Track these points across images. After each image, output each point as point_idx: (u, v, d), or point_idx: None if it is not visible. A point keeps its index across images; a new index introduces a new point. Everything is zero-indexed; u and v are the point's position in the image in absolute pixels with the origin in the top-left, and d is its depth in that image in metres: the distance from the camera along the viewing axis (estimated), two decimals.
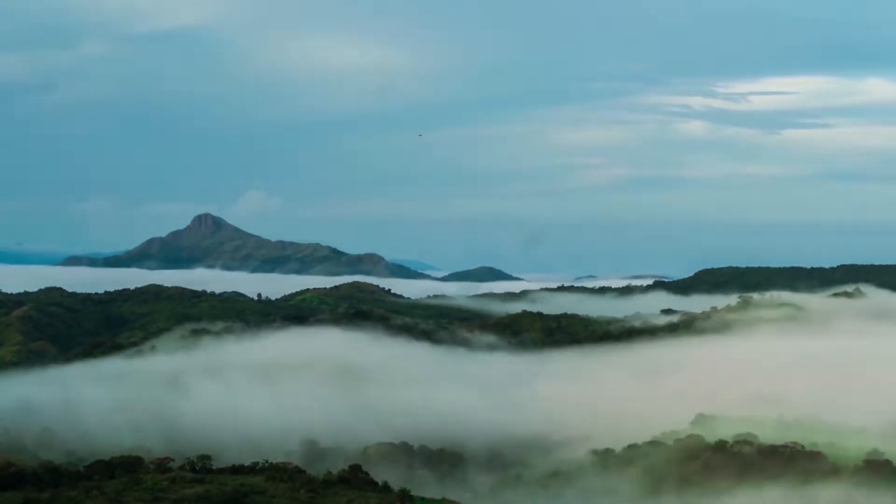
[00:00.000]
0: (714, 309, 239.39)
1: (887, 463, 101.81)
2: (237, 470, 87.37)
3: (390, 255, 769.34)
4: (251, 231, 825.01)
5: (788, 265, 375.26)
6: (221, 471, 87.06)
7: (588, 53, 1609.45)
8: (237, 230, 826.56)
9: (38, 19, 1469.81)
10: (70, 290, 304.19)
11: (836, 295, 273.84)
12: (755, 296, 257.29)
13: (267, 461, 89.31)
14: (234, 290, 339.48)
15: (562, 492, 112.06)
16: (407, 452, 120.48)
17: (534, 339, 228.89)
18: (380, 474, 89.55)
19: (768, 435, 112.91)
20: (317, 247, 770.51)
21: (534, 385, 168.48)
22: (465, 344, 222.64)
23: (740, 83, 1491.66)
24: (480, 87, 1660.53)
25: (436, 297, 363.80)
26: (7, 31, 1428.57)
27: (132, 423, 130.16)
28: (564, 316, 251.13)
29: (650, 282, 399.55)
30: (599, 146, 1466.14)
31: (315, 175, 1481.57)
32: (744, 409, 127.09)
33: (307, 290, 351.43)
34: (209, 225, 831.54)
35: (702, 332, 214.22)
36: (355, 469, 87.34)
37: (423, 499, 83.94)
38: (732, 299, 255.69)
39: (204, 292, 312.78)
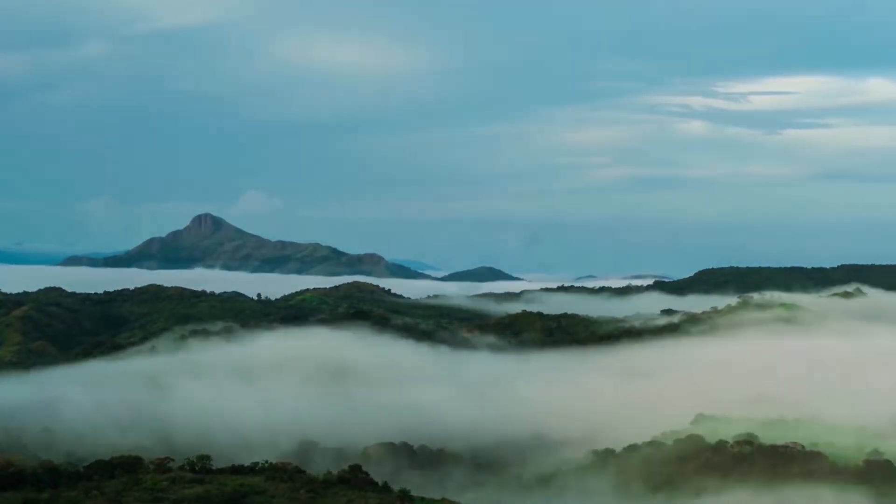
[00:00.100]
0: (714, 309, 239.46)
1: (887, 463, 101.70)
2: (237, 470, 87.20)
3: (390, 255, 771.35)
4: (251, 231, 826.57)
5: (788, 265, 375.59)
6: (221, 471, 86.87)
7: (588, 53, 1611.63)
8: (237, 230, 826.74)
9: (38, 19, 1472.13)
10: (70, 290, 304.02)
11: (835, 295, 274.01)
12: (755, 296, 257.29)
13: (267, 461, 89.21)
14: (234, 290, 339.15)
15: (562, 492, 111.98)
16: (407, 453, 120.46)
17: (534, 339, 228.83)
18: (380, 474, 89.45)
19: (768, 435, 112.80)
20: (317, 247, 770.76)
21: (534, 385, 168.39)
22: (466, 344, 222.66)
23: (740, 83, 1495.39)
24: (480, 87, 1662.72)
25: (436, 297, 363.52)
26: (7, 31, 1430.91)
27: (132, 424, 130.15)
28: (564, 316, 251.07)
29: (650, 282, 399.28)
30: (599, 146, 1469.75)
31: (315, 175, 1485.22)
32: (744, 409, 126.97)
33: (307, 290, 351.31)
34: (209, 225, 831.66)
35: (702, 332, 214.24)
36: (355, 469, 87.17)
37: (422, 499, 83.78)
38: (732, 299, 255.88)
39: (204, 292, 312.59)
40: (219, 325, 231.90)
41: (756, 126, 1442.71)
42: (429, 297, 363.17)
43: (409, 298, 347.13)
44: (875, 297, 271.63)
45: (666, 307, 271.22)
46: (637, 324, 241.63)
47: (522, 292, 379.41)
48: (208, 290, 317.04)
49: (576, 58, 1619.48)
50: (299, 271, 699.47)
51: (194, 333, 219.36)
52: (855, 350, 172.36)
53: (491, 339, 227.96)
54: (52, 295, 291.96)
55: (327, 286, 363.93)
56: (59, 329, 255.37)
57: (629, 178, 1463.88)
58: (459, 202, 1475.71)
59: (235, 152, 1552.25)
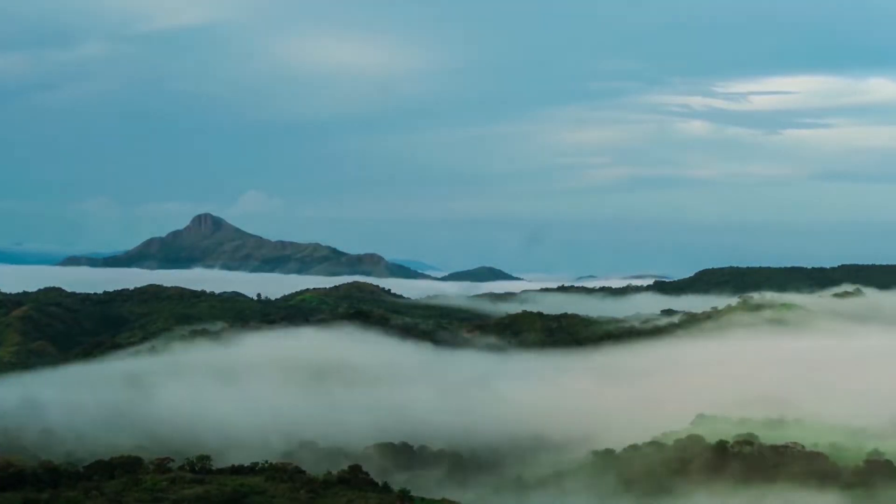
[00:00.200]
0: (714, 309, 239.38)
1: (888, 463, 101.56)
2: (237, 470, 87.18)
3: (390, 255, 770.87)
4: (251, 231, 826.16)
5: (788, 265, 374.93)
6: (221, 471, 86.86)
7: (588, 53, 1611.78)
8: (237, 230, 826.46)
9: (38, 19, 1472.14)
10: (69, 290, 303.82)
11: (836, 295, 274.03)
12: (755, 296, 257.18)
13: (266, 461, 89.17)
14: (234, 290, 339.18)
15: (562, 492, 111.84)
16: (407, 453, 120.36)
17: (534, 339, 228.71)
18: (379, 474, 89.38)
19: (769, 435, 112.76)
20: (317, 247, 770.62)
21: (534, 385, 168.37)
22: (465, 344, 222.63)
23: (740, 83, 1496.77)
24: (480, 87, 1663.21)
25: (436, 297, 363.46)
26: (7, 31, 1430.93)
27: (132, 424, 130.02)
28: (564, 316, 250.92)
29: (650, 282, 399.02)
30: (599, 146, 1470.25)
31: (315, 175, 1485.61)
32: (744, 410, 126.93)
33: (307, 290, 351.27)
34: (209, 225, 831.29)
35: (702, 332, 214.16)
36: (355, 469, 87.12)
37: (422, 499, 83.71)
38: (732, 299, 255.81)
39: (203, 292, 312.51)
40: (218, 325, 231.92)
41: (756, 126, 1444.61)
42: (429, 297, 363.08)
43: (408, 298, 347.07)
44: (875, 297, 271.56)
45: (666, 307, 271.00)
46: (637, 324, 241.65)
47: (522, 292, 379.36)
48: (208, 290, 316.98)
49: (576, 58, 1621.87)
50: (299, 271, 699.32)
51: (194, 333, 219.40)
52: (855, 350, 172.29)
53: (491, 339, 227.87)
54: (52, 295, 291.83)
55: (327, 286, 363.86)
56: (58, 329, 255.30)
57: (629, 178, 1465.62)
58: (459, 202, 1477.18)
59: (235, 152, 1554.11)
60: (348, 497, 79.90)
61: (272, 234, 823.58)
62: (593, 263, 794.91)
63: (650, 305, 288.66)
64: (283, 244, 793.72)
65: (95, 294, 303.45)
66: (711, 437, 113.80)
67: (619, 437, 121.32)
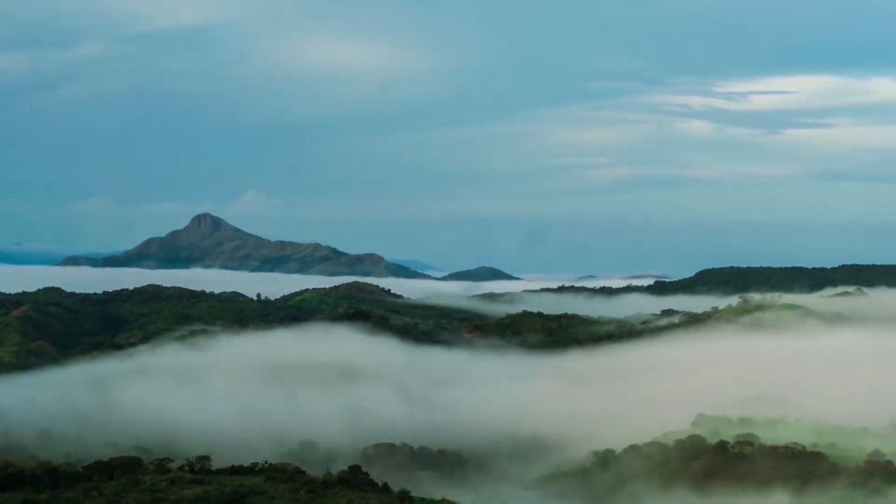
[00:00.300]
0: (715, 309, 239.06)
1: (888, 464, 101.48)
2: (236, 471, 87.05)
3: (390, 255, 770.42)
4: (250, 231, 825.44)
5: (789, 265, 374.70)
6: (220, 471, 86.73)
7: (588, 53, 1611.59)
8: (236, 230, 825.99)
9: (38, 19, 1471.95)
10: (69, 290, 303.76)
11: (836, 295, 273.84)
12: (756, 296, 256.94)
13: (266, 462, 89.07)
14: (234, 290, 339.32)
15: (562, 492, 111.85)
16: (406, 453, 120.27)
17: (534, 339, 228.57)
18: (379, 475, 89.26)
19: (769, 435, 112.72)
20: (316, 247, 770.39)
21: (534, 385, 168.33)
22: (465, 344, 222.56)
23: (740, 83, 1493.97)
24: (480, 87, 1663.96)
25: (436, 297, 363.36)
26: (7, 31, 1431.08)
27: (131, 424, 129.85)
28: (565, 316, 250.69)
29: (651, 282, 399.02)
30: (599, 146, 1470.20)
31: (315, 175, 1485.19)
32: (744, 410, 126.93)
33: (307, 290, 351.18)
34: (208, 225, 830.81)
35: (702, 332, 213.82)
36: (355, 470, 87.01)
37: (422, 499, 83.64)
38: (733, 299, 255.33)
39: (203, 292, 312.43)
40: (219, 325, 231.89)
41: (757, 126, 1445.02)
42: (429, 297, 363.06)
43: (408, 298, 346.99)
44: (876, 297, 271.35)
45: (666, 307, 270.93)
46: (637, 324, 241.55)
47: (522, 292, 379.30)
48: (208, 290, 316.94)
49: (576, 58, 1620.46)
50: (299, 271, 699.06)
51: (194, 334, 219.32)
52: (855, 350, 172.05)
53: (491, 339, 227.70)
54: (52, 295, 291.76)
55: (327, 286, 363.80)
56: (58, 329, 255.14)
57: (629, 178, 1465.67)
58: (459, 202, 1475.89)
59: (235, 152, 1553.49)
60: (348, 497, 79.80)
61: (272, 234, 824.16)
62: (593, 263, 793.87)
63: (650, 305, 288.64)
64: (282, 244, 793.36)
65: (95, 294, 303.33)
66: (711, 437, 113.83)
67: (620, 437, 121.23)
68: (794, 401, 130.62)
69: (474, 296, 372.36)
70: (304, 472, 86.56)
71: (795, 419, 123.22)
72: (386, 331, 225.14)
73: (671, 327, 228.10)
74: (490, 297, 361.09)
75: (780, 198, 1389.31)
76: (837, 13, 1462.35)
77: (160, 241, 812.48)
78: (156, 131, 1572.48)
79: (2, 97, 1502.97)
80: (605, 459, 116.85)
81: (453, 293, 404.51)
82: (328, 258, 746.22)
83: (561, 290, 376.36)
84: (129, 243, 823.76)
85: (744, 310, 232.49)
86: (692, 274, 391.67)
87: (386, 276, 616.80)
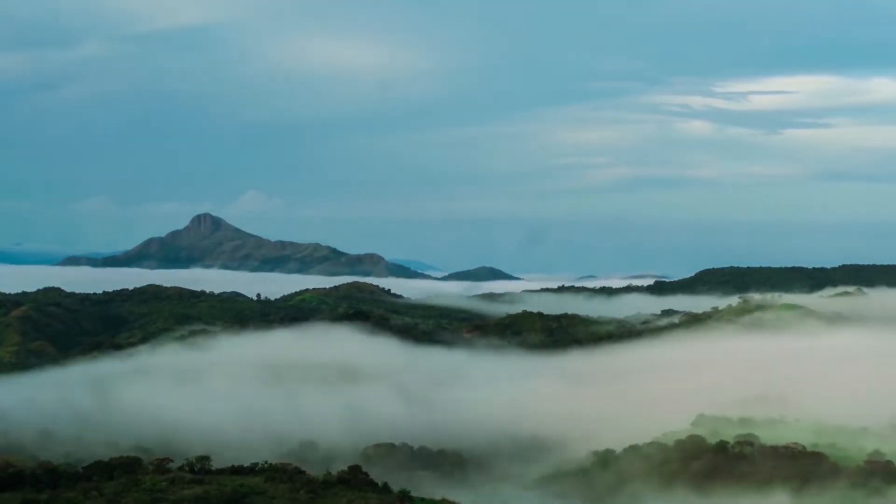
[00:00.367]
0: (715, 309, 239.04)
1: (888, 464, 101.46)
2: (236, 471, 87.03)
3: (390, 255, 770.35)
4: (250, 231, 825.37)
5: (789, 265, 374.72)
6: (220, 471, 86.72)
7: (588, 53, 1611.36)
8: (236, 230, 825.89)
9: (38, 19, 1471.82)
10: (69, 290, 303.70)
11: (836, 295, 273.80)
12: (756, 296, 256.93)
13: (266, 462, 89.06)
14: (234, 290, 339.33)
15: (562, 492, 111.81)
16: (406, 453, 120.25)
17: (534, 339, 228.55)
18: (379, 475, 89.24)
19: (769, 435, 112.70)
20: (316, 247, 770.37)
21: (534, 385, 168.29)
22: (465, 344, 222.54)
23: (740, 83, 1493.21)
24: (480, 87, 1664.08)
25: (436, 297, 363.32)
26: (7, 31, 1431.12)
27: (131, 424, 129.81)
28: (565, 316, 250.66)
29: (651, 282, 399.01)
30: (599, 146, 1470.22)
31: (315, 175, 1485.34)
32: (745, 410, 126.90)
33: (307, 290, 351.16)
34: (208, 225, 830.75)
35: (702, 332, 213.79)
36: (355, 470, 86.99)
37: (422, 499, 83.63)
38: (733, 299, 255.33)
39: (203, 292, 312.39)
40: (218, 326, 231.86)
41: (756, 126, 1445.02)
42: (429, 297, 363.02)
43: (408, 298, 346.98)
44: (876, 297, 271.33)
45: (666, 307, 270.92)
46: (637, 324, 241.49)
47: (522, 292, 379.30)
48: (208, 291, 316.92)
49: (576, 57, 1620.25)
50: (299, 271, 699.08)
51: (194, 334, 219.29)
52: (855, 350, 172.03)
53: (491, 339, 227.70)
54: (52, 295, 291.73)
55: (327, 286, 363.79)
56: (58, 329, 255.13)
57: (629, 178, 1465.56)
58: (459, 202, 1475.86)
59: (235, 152, 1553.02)
60: (348, 497, 79.79)
61: (272, 234, 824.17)
62: (593, 263, 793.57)
63: (650, 305, 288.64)
64: (282, 244, 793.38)
65: (95, 294, 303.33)
66: (711, 437, 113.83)
67: (620, 437, 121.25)
68: (794, 401, 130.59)
69: (474, 296, 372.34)
70: (304, 473, 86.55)
71: (795, 419, 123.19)
72: (386, 331, 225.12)
73: (671, 327, 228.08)
74: (490, 297, 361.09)
75: (780, 198, 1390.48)
76: (837, 13, 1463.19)
77: (160, 241, 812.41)
78: (156, 131, 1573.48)
79: (2, 97, 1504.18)
80: (605, 459, 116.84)
81: (453, 293, 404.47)
82: (328, 258, 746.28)
83: (561, 290, 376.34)
84: (129, 243, 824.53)
85: (744, 310, 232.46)
86: (692, 274, 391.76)
87: (386, 276, 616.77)
